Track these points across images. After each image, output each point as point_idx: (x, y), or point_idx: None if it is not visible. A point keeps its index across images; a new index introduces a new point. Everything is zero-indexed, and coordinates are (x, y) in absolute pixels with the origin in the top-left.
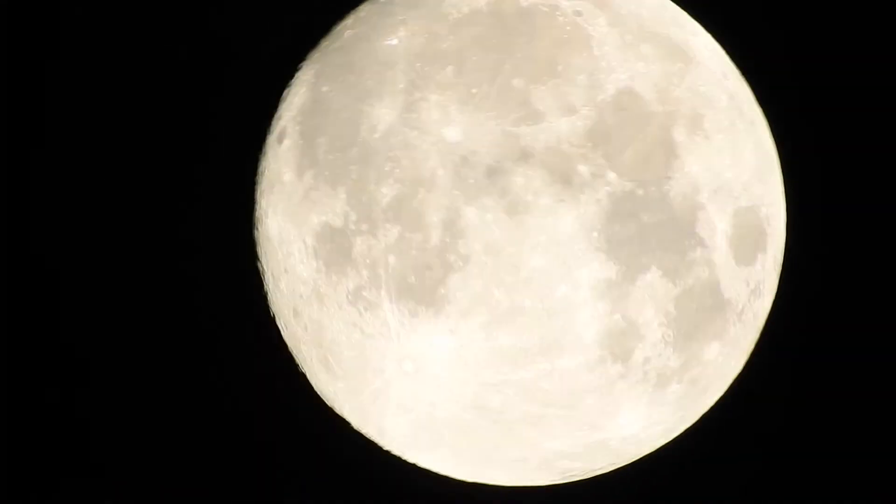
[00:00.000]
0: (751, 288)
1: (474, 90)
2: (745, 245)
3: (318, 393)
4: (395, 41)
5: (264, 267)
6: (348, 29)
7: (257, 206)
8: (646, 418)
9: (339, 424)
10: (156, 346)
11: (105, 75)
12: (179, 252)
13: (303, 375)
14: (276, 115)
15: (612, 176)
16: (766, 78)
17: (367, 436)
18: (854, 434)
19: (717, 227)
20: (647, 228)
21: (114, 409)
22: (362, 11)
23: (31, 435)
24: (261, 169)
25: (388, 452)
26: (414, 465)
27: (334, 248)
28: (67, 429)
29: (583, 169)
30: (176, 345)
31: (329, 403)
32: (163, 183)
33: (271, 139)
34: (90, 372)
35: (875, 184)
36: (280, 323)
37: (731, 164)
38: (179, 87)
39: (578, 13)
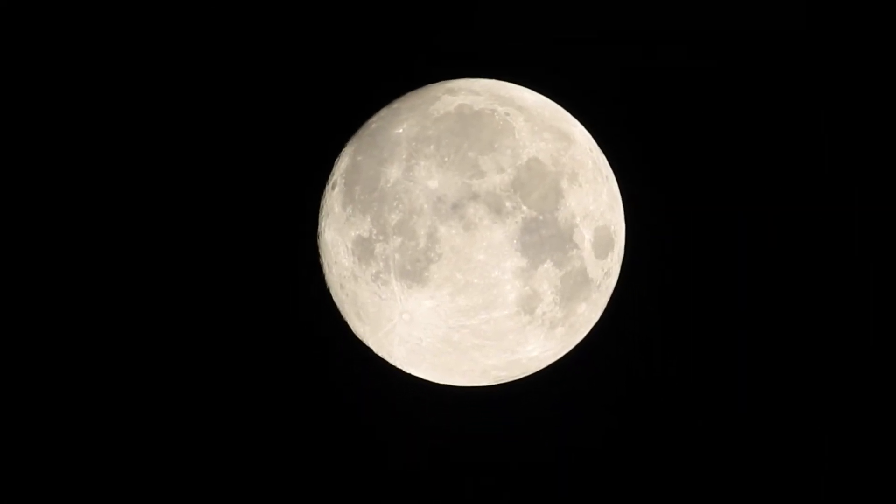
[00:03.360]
0: (604, 271)
1: (446, 158)
2: (601, 247)
3: (354, 333)
4: (400, 130)
5: (323, 260)
6: (373, 123)
7: (319, 226)
8: (542, 347)
9: (366, 351)
10: (254, 309)
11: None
12: (274, 252)
13: (345, 323)
14: (331, 173)
15: (524, 208)
16: (616, 149)
17: (382, 357)
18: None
19: (585, 237)
20: (545, 238)
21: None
22: (382, 112)
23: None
24: (322, 204)
25: (393, 366)
26: (409, 374)
27: (364, 249)
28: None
29: (508, 204)
30: (269, 306)
31: (360, 338)
32: (268, 212)
33: (328, 187)
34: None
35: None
36: (332, 292)
37: (593, 201)
38: (280, 155)
39: (507, 114)
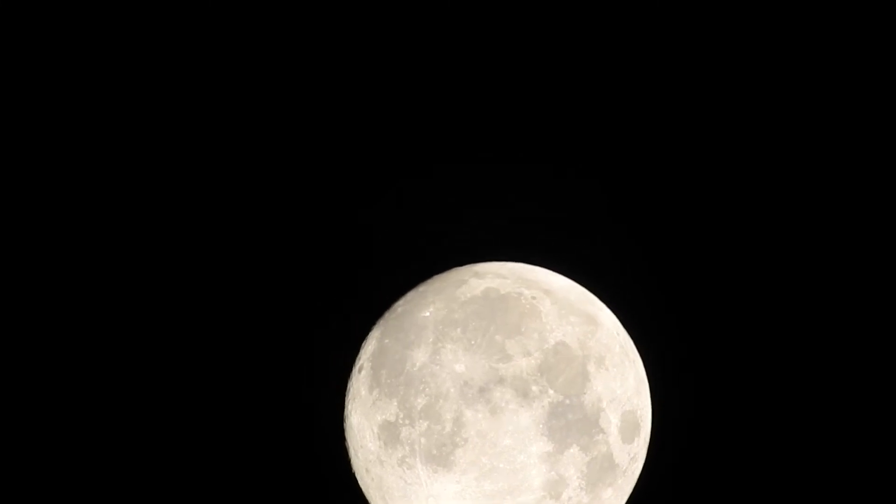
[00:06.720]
0: (630, 456)
1: (473, 342)
2: (628, 431)
3: None
4: (427, 313)
5: (349, 444)
6: (400, 306)
7: (346, 409)
8: None
9: None
10: (282, 494)
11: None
12: (301, 437)
13: None
14: (358, 357)
15: (551, 392)
16: (643, 332)
17: None
18: None
19: (612, 421)
20: (571, 422)
21: None
22: (409, 296)
23: None
24: (349, 387)
25: None
26: None
27: (390, 433)
28: None
29: (534, 388)
30: (295, 492)
31: None
32: (295, 396)
33: (355, 370)
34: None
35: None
36: (358, 476)
37: (620, 385)
38: (308, 337)
39: (534, 297)
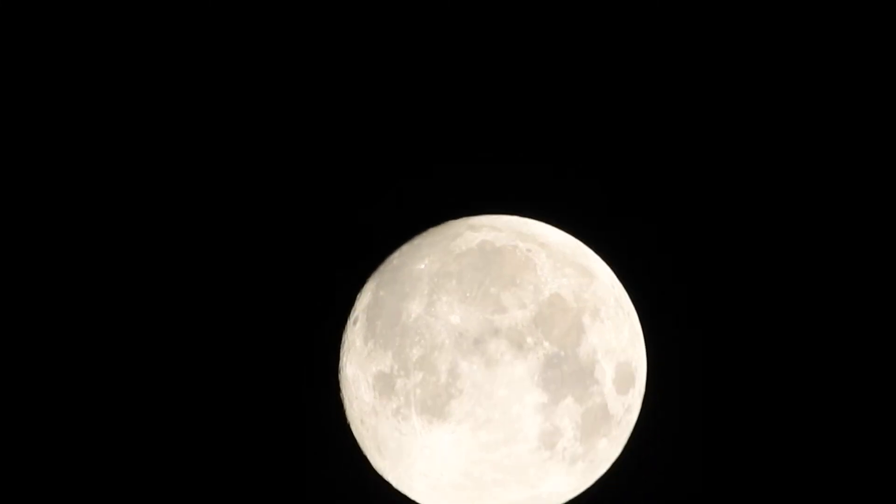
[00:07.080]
0: (625, 407)
1: (468, 294)
2: (622, 383)
3: (374, 468)
4: (422, 266)
5: (344, 395)
6: (395, 259)
7: (341, 360)
8: (563, 482)
9: (386, 486)
10: (274, 443)
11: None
12: (295, 387)
13: (365, 458)
14: (353, 308)
15: (546, 344)
16: (638, 285)
17: (402, 491)
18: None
19: (607, 372)
20: (566, 374)
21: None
22: (404, 248)
23: None
24: (343, 339)
25: (414, 501)
26: None
27: (384, 384)
28: None
29: (529, 339)
30: (288, 440)
31: (380, 473)
32: (289, 347)
33: (350, 322)
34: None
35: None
36: (353, 427)
37: (615, 337)
38: (302, 290)
39: (529, 250)
